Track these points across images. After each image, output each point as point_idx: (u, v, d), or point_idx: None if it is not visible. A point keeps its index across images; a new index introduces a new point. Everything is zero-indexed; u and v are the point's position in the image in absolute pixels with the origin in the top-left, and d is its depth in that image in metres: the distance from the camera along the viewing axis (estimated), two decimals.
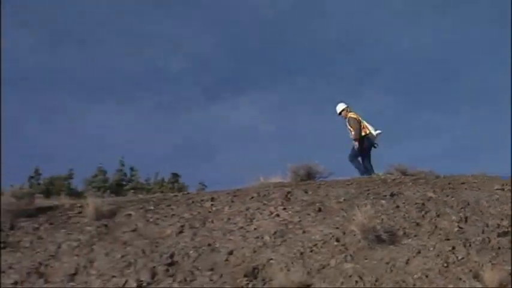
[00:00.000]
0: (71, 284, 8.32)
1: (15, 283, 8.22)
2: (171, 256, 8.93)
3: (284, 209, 10.31)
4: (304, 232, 9.53)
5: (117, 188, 13.87)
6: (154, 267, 8.67)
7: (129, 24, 48.65)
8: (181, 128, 46.39)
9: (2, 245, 8.88)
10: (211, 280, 8.48)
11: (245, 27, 49.77)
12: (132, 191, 13.94)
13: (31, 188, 12.92)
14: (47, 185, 13.40)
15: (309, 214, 10.06)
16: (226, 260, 8.91)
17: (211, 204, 10.47)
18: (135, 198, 11.10)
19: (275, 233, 9.50)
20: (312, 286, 8.20)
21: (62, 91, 45.33)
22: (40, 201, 10.66)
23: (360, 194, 10.81)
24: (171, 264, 8.78)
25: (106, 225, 9.58)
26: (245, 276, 8.51)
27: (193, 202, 10.53)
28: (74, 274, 8.51)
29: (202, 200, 10.64)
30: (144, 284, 8.36)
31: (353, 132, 12.33)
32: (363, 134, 12.33)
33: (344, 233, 9.40)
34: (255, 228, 9.69)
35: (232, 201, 10.55)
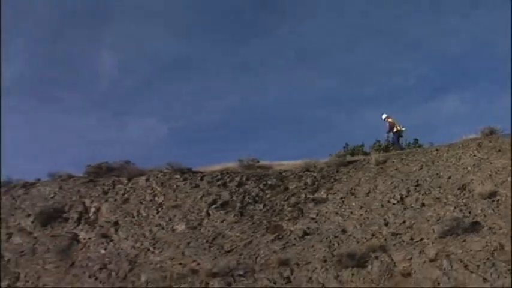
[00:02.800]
0: (366, 197, 17.43)
1: (342, 198, 17.59)
2: (417, 181, 17.32)
3: None
4: None
5: (386, 149, 22.67)
6: (408, 187, 17.20)
7: None
8: None
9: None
10: (439, 191, 16.52)
11: None
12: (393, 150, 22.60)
13: (345, 152, 22.64)
14: (352, 150, 23.04)
15: None
16: (447, 181, 16.86)
17: (436, 151, 18.44)
18: (394, 153, 19.83)
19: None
20: None
21: None
22: (349, 158, 20.28)
23: None
24: (417, 186, 17.15)
25: (382, 167, 18.49)
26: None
27: (427, 152, 18.67)
28: (368, 193, 17.56)
29: (433, 151, 18.68)
30: (404, 196, 16.88)
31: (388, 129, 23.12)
32: (395, 130, 23.04)
33: None
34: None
35: (448, 150, 18.34)
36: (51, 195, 21.43)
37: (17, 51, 78.18)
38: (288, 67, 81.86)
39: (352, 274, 14.17)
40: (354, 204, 17.24)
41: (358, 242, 15.48)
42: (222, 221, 17.90)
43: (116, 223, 19.08)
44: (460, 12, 79.45)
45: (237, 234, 17.16)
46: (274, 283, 14.64)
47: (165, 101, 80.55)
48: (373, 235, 15.61)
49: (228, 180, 19.81)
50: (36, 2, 77.65)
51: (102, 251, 18.00)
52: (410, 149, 21.41)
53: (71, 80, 77.83)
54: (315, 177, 19.11)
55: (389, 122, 23.41)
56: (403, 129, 23.38)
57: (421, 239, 14.83)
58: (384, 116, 23.69)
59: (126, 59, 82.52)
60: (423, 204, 16.33)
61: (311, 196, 18.27)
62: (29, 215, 20.64)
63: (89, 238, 18.83)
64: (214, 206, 18.68)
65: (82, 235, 19.07)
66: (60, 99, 77.71)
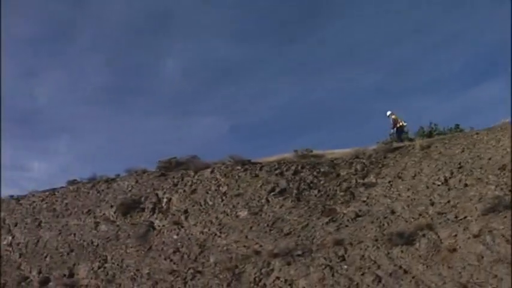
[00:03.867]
0: (412, 180, 18.57)
1: (390, 182, 18.82)
2: (459, 163, 18.30)
3: None
4: None
5: (429, 135, 23.60)
6: (451, 169, 18.22)
7: None
8: None
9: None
10: (481, 172, 17.45)
11: None
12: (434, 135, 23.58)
13: (391, 139, 23.82)
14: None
15: None
16: (488, 162, 17.79)
17: (477, 134, 19.39)
18: (437, 138, 20.80)
19: None
20: None
21: None
22: (395, 144, 21.48)
23: None
24: (460, 168, 18.13)
25: (426, 152, 19.57)
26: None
27: (468, 136, 19.59)
28: (414, 176, 18.75)
29: (473, 134, 19.58)
30: (448, 177, 17.88)
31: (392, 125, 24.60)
32: (398, 125, 24.68)
33: None
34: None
35: (488, 133, 19.26)
36: (129, 189, 23.76)
37: (95, 65, 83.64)
38: (335, 64, 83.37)
39: (402, 251, 15.30)
40: (401, 187, 18.34)
41: (406, 222, 16.55)
42: (280, 207, 19.43)
43: (186, 211, 21.09)
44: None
45: (295, 218, 18.63)
46: (330, 261, 15.99)
47: (225, 101, 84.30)
48: (420, 215, 16.60)
49: (284, 169, 21.28)
50: (110, 21, 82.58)
51: (175, 237, 20.02)
52: (452, 134, 22.27)
53: (141, 86, 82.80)
54: (364, 163, 20.26)
55: (393, 119, 25.21)
56: (405, 124, 25.19)
57: (465, 217, 15.59)
58: (388, 113, 25.49)
59: (189, 65, 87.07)
60: (466, 185, 17.14)
61: (361, 181, 19.45)
62: (111, 206, 23.06)
63: (163, 225, 20.94)
64: (273, 193, 20.24)
65: (157, 223, 21.21)
66: (132, 105, 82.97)
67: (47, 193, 26.82)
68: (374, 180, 19.13)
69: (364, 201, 18.27)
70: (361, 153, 20.99)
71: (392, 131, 25.26)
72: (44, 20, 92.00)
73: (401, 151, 20.29)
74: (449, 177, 17.83)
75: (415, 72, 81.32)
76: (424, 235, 15.41)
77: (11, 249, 24.25)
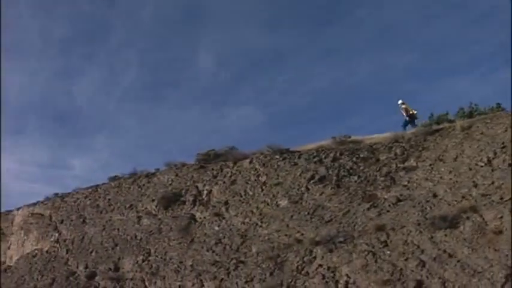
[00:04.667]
0: (454, 162, 18.19)
1: (431, 165, 18.47)
2: (503, 143, 17.76)
3: None
4: None
5: (470, 115, 23.04)
6: (494, 149, 17.66)
7: None
8: None
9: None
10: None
11: None
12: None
13: (430, 121, 23.39)
14: (437, 119, 23.65)
15: None
16: None
17: None
18: (478, 118, 20.33)
19: None
20: None
21: None
22: (435, 126, 21.05)
23: None
24: (503, 147, 17.62)
25: (467, 133, 19.14)
26: None
27: (509, 115, 19.05)
28: (455, 158, 18.33)
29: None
30: (491, 158, 17.40)
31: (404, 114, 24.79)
32: (410, 113, 24.88)
33: None
34: None
35: None
36: (169, 182, 24.11)
37: (130, 62, 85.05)
38: (369, 47, 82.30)
39: (445, 235, 15.05)
40: (443, 169, 17.99)
41: (449, 205, 16.24)
42: (320, 194, 19.39)
43: (226, 202, 21.26)
44: None
45: (335, 205, 18.57)
46: (373, 247, 15.89)
47: (259, 90, 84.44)
48: (463, 197, 16.26)
49: (323, 156, 21.19)
50: (141, 17, 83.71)
51: (216, 228, 20.23)
52: (494, 113, 21.71)
53: (176, 80, 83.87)
54: (404, 147, 19.99)
55: (404, 108, 25.53)
56: (415, 112, 25.41)
57: (511, 198, 15.17)
58: (399, 102, 25.84)
59: (221, 56, 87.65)
60: (510, 165, 16.70)
61: (401, 165, 19.21)
62: (153, 200, 23.47)
63: (204, 217, 21.18)
64: (312, 181, 20.18)
65: (198, 215, 21.47)
66: (168, 98, 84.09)
67: (90, 190, 27.44)
68: (414, 164, 18.84)
69: (405, 186, 18.03)
70: (400, 137, 20.71)
71: (406, 119, 25.42)
72: (77, 21, 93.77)
73: (442, 133, 19.90)
74: (493, 158, 17.37)
75: (450, 51, 79.40)
76: (468, 218, 15.10)
77: (58, 245, 24.94)
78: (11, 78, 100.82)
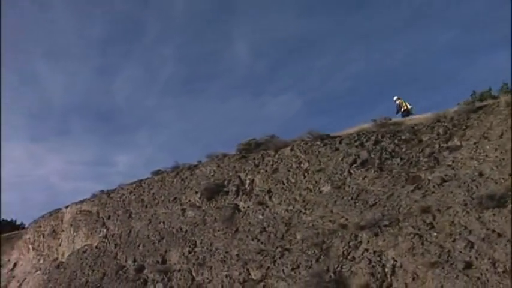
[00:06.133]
0: (499, 139, 17.63)
1: (476, 143, 18.04)
2: None
3: None
4: None
5: None
6: None
7: None
8: None
9: None
10: None
11: None
12: None
13: (473, 99, 22.82)
14: (480, 96, 23.05)
15: None
16: None
17: None
18: None
19: None
20: None
21: None
22: (478, 104, 20.51)
23: None
24: None
25: None
26: None
27: None
28: (501, 135, 17.75)
29: None
30: None
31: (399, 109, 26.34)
32: (403, 109, 26.31)
33: None
34: None
35: None
36: (212, 173, 24.31)
37: (166, 57, 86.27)
38: (406, 27, 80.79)
39: (494, 214, 14.75)
40: (488, 147, 17.56)
41: (496, 183, 15.87)
42: (363, 178, 19.23)
43: (269, 191, 21.30)
44: None
45: (379, 189, 18.38)
46: (419, 230, 15.69)
47: (297, 77, 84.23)
48: (510, 175, 15.83)
49: (364, 140, 20.96)
50: (175, 12, 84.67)
51: (260, 217, 20.31)
52: None
53: (212, 72, 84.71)
54: (446, 126, 19.56)
55: (398, 103, 26.85)
56: (410, 107, 26.42)
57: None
58: (395, 98, 27.20)
59: (257, 45, 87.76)
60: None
61: (445, 145, 18.82)
62: (196, 192, 23.74)
63: (248, 206, 21.29)
64: (354, 165, 20.00)
65: (241, 204, 21.59)
66: (206, 91, 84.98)
67: (134, 185, 27.93)
68: (458, 143, 18.44)
69: (449, 166, 17.67)
70: (443, 116, 20.24)
71: (397, 115, 26.21)
72: (113, 20, 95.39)
73: (486, 110, 19.38)
74: None
75: (490, 27, 77.08)
76: None
77: (106, 241, 25.51)
78: (54, 81, 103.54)
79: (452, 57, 76.47)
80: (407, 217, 16.36)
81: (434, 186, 17.12)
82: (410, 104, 26.64)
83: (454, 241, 14.61)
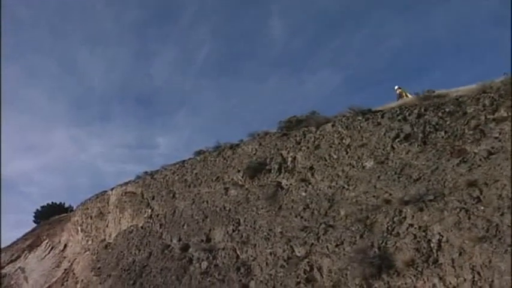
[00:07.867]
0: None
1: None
2: None
3: None
4: None
5: None
6: None
7: None
8: None
9: None
10: None
11: None
12: None
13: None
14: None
15: None
16: None
17: None
18: None
19: None
20: None
21: None
22: None
23: None
24: None
25: None
26: None
27: None
28: None
29: None
30: None
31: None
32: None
33: None
34: None
35: None
36: (254, 152, 24.39)
37: (202, 39, 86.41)
38: None
39: None
40: None
41: None
42: (407, 153, 18.92)
43: (312, 168, 21.24)
44: None
45: (423, 163, 18.05)
46: (465, 204, 15.37)
47: (335, 53, 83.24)
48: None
49: (407, 113, 20.53)
50: None
51: (303, 194, 20.30)
52: None
53: (250, 51, 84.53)
54: (492, 97, 18.93)
55: (398, 93, 26.60)
56: (410, 96, 24.68)
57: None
58: (395, 88, 27.12)
59: (294, 23, 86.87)
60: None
61: (491, 116, 18.24)
62: (239, 171, 23.88)
63: (291, 184, 21.29)
64: (397, 139, 19.67)
65: (284, 182, 21.61)
66: (244, 70, 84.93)
67: (177, 166, 28.30)
68: (505, 114, 17.81)
69: (496, 138, 17.16)
70: (488, 87, 19.54)
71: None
72: (148, 4, 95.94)
73: None
74: None
75: None
76: None
77: (151, 221, 26.02)
78: (94, 67, 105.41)
79: (496, 26, 74.06)
80: (453, 191, 16.02)
81: (480, 159, 16.69)
82: (410, 94, 25.78)
83: (502, 215, 14.25)
